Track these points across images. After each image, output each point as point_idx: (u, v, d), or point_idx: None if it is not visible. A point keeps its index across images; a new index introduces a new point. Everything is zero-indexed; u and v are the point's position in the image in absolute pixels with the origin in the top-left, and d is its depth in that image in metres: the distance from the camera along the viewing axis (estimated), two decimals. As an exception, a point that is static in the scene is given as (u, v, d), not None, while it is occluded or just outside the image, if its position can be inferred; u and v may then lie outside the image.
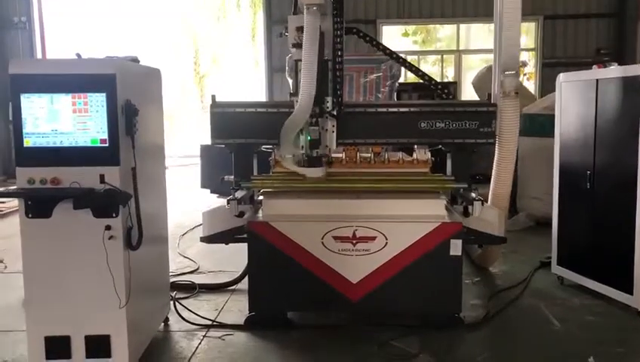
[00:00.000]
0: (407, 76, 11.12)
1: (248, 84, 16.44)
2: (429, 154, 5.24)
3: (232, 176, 4.83)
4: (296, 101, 4.24)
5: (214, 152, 9.13)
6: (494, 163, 5.11)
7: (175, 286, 5.19)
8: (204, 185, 9.34)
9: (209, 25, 20.67)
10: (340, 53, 4.49)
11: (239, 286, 5.36)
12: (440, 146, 5.07)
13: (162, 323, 4.40)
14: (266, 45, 13.06)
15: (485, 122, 4.78)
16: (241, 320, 4.48)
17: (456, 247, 4.17)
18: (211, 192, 9.23)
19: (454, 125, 4.79)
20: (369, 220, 4.20)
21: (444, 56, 13.42)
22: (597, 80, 4.74)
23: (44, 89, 3.22)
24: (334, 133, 4.49)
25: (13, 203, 8.51)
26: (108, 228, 3.29)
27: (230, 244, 4.66)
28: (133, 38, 18.65)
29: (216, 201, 9.07)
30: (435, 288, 4.23)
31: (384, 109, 4.96)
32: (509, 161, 5.00)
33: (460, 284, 4.25)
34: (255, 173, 4.91)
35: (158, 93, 4.15)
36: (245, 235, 4.29)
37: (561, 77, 5.22)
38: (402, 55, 8.54)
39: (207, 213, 4.68)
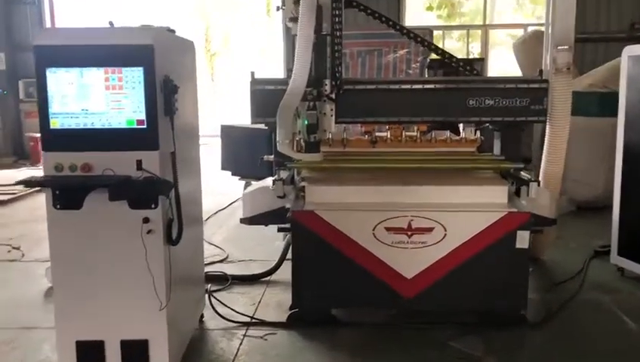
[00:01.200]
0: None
1: (264, 62, 15.94)
2: (478, 133, 4.94)
3: (272, 156, 4.53)
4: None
5: (236, 133, 8.72)
6: (546, 142, 4.79)
7: (207, 278, 4.83)
8: (224, 167, 8.93)
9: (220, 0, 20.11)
10: (338, 27, 4.10)
11: (274, 276, 5.00)
12: (488, 125, 4.77)
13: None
14: (283, 20, 12.53)
15: (537, 99, 4.48)
16: (281, 316, 4.13)
17: (523, 239, 3.77)
18: (232, 174, 8.82)
19: (504, 102, 4.47)
20: (426, 209, 3.80)
21: (470, 31, 12.85)
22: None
23: (73, 62, 2.80)
24: (333, 117, 4.11)
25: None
26: (146, 220, 2.90)
27: (257, 232, 4.55)
28: (143, 14, 18.14)
29: (239, 184, 8.71)
30: (499, 284, 3.85)
31: (431, 86, 4.63)
32: (561, 140, 4.68)
33: (526, 280, 3.86)
34: None
35: (192, 68, 3.74)
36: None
37: (628, 50, 4.75)
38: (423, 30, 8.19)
39: (249, 194, 4.48)
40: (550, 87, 4.55)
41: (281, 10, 4.76)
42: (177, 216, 3.06)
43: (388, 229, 3.80)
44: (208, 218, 7.30)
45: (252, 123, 4.55)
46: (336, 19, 4.16)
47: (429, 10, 12.79)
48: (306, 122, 4.01)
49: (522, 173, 4.24)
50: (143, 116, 2.84)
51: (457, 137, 5.14)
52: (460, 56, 12.55)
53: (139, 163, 2.85)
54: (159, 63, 2.87)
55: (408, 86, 4.63)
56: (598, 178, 7.29)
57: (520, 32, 12.46)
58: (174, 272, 3.12)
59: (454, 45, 12.71)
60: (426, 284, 3.84)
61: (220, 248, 5.98)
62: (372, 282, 3.83)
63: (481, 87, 4.57)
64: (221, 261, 5.59)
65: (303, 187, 4.07)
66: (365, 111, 4.54)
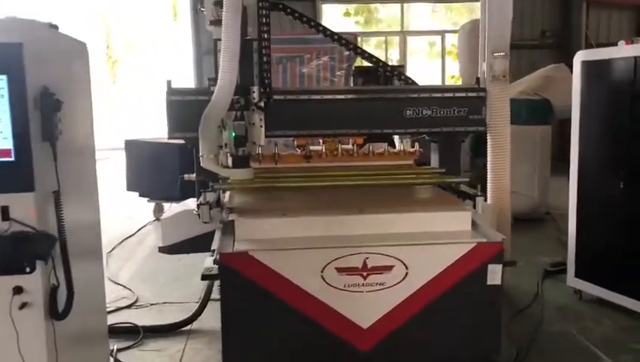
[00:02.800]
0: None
1: (172, 68, 14.86)
2: (416, 145, 4.63)
3: (194, 175, 4.02)
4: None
5: (142, 149, 7.77)
6: (488, 153, 4.59)
7: (111, 331, 3.95)
8: (130, 188, 7.95)
9: (121, 3, 18.72)
10: (265, 29, 3.72)
11: (197, 324, 4.21)
12: (425, 136, 4.54)
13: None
14: (192, 25, 11.65)
15: (475, 108, 4.34)
16: (209, 380, 3.36)
17: (494, 274, 3.22)
18: (140, 196, 7.86)
19: (442, 112, 4.29)
20: (383, 244, 3.16)
21: (388, 38, 12.54)
22: (635, 58, 3.92)
23: None
24: (262, 128, 3.64)
25: None
26: (18, 291, 2.06)
27: (172, 264, 4.38)
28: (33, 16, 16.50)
29: (148, 206, 7.76)
30: (468, 327, 3.27)
31: (367, 96, 4.31)
32: (504, 150, 4.52)
33: (500, 321, 3.31)
34: None
35: (85, 76, 2.90)
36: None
37: (581, 55, 4.39)
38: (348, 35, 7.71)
39: (169, 220, 4.20)
40: (488, 95, 4.41)
41: (188, 16, 4.36)
42: (66, 280, 2.23)
43: (339, 270, 3.13)
44: (113, 249, 6.34)
45: (169, 138, 4.03)
46: (264, 22, 3.72)
47: (346, 15, 12.34)
48: (234, 134, 3.50)
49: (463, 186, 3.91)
50: (8, 144, 2.00)
51: (395, 150, 4.70)
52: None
53: (4, 211, 1.99)
54: (33, 70, 2.05)
55: (343, 96, 4.29)
56: (533, 188, 7.06)
57: (437, 39, 12.34)
58: (62, 347, 2.28)
59: (372, 52, 12.32)
60: (385, 333, 3.19)
61: (128, 288, 5.07)
62: (322, 335, 3.14)
63: (419, 96, 4.31)
64: (129, 306, 4.69)
65: (232, 221, 3.32)
66: (297, 123, 4.17)
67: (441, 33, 12.20)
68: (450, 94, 4.39)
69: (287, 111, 4.02)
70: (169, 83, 3.97)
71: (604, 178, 4.27)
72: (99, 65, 19.51)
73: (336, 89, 5.66)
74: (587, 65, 4.30)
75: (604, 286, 4.31)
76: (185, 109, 3.92)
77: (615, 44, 4.18)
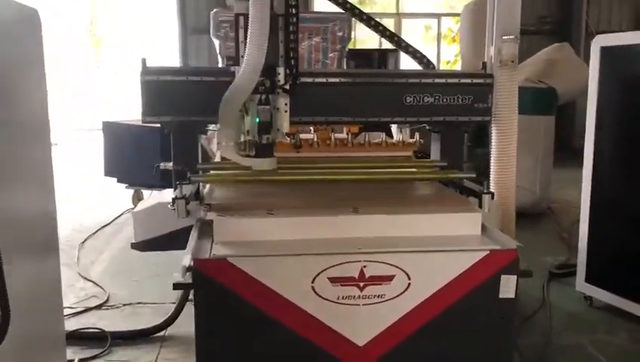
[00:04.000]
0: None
1: (156, 48, 14.27)
2: (416, 136, 4.20)
3: (171, 164, 3.61)
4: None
5: (122, 132, 7.28)
6: (493, 146, 4.17)
7: (75, 337, 3.55)
8: (108, 173, 7.48)
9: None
10: (293, 3, 3.30)
11: (172, 329, 3.81)
12: (425, 125, 4.08)
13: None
14: (178, 3, 11.10)
15: (481, 96, 3.88)
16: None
17: (508, 286, 2.84)
18: (118, 182, 7.40)
19: (445, 100, 3.83)
20: (384, 251, 2.76)
21: (382, 21, 12.08)
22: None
23: None
24: (287, 113, 3.27)
25: None
26: None
27: (150, 258, 3.98)
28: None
29: (127, 193, 7.31)
30: (476, 345, 2.89)
31: (362, 80, 3.77)
32: (509, 142, 4.09)
33: (512, 338, 2.94)
34: (201, 160, 3.71)
35: (35, 47, 2.44)
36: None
37: (601, 40, 3.99)
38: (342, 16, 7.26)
39: (142, 213, 3.86)
40: (495, 81, 3.97)
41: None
42: (1, 301, 1.80)
43: (333, 280, 2.72)
44: (86, 240, 5.91)
45: (143, 122, 3.61)
46: None
47: (338, -5, 11.81)
48: (258, 120, 3.17)
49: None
50: None
51: (393, 140, 4.30)
52: (372, 46, 11.82)
53: None
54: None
55: (336, 79, 3.74)
56: (535, 182, 6.71)
57: (434, 22, 11.91)
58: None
59: (365, 35, 11.87)
60: (384, 352, 2.80)
61: (99, 286, 4.64)
62: (313, 355, 2.74)
63: (420, 82, 3.83)
64: (99, 306, 4.27)
65: (210, 220, 2.90)
66: (325, 110, 3.72)
67: (438, 16, 11.76)
68: (455, 80, 3.98)
69: (313, 95, 3.59)
70: (144, 61, 3.53)
71: (622, 174, 3.92)
72: (83, 43, 18.90)
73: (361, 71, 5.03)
74: (607, 51, 3.90)
75: (619, 293, 3.97)
76: (161, 91, 3.49)
77: (616, 32, 3.79)
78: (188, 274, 2.67)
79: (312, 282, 2.71)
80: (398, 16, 11.62)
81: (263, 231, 2.88)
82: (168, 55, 11.85)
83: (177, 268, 4.63)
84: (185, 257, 3.11)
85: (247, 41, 3.00)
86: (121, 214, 6.93)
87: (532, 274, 3.14)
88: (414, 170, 3.98)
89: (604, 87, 3.95)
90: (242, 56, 3.17)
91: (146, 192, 7.49)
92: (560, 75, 6.75)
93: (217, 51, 7.27)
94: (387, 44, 11.91)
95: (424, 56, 4.12)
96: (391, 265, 2.75)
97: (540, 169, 6.67)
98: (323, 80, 3.80)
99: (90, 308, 4.20)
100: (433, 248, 2.81)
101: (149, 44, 15.22)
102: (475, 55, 8.08)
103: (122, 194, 7.38)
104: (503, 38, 4.08)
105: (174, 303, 4.15)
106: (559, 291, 4.50)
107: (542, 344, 3.63)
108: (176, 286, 2.71)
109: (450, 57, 12.10)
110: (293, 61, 3.29)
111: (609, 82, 3.92)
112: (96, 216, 6.81)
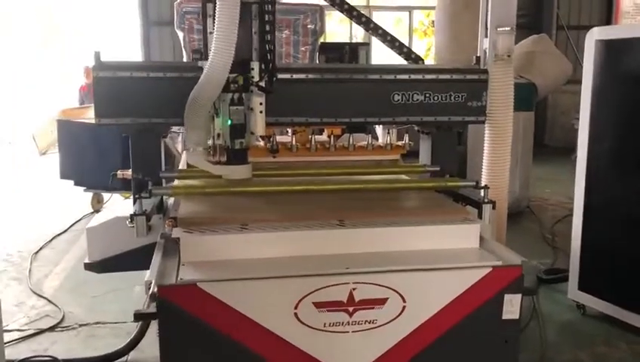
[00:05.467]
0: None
1: (116, 41, 13.64)
2: (406, 138, 3.93)
3: (130, 171, 3.27)
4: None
5: (79, 131, 6.80)
6: (485, 147, 3.92)
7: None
8: (65, 175, 6.99)
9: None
10: None
11: (134, 354, 3.42)
12: (414, 126, 3.79)
13: None
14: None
15: (475, 93, 3.60)
16: None
17: (512, 306, 2.56)
18: (76, 184, 6.91)
19: (436, 98, 3.54)
20: (375, 270, 2.44)
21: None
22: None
23: None
24: (263, 114, 2.93)
25: None
26: None
27: (107, 274, 3.35)
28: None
29: (85, 196, 6.84)
30: (477, 372, 2.60)
31: (347, 76, 3.43)
32: (505, 143, 3.88)
33: (516, 363, 2.65)
34: (164, 166, 3.38)
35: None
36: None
37: (596, 33, 3.74)
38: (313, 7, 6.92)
39: (97, 229, 3.40)
40: (490, 77, 3.69)
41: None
42: None
43: (318, 305, 2.39)
44: (40, 249, 5.43)
45: (97, 123, 3.17)
46: None
47: (308, -13, 11.44)
48: (229, 122, 2.87)
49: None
50: None
51: (380, 143, 3.99)
52: (343, 40, 11.49)
53: None
54: None
55: (318, 75, 3.40)
56: (514, 181, 6.47)
57: (405, 15, 11.66)
58: None
59: (335, 28, 11.54)
60: (376, 384, 2.49)
61: (53, 303, 4.21)
62: (294, 390, 2.41)
63: (409, 78, 3.51)
64: (52, 327, 3.84)
65: (176, 238, 2.53)
66: (305, 109, 3.38)
67: (409, 9, 11.50)
68: (447, 76, 3.66)
69: (292, 93, 3.26)
70: (97, 55, 3.12)
71: (618, 174, 3.69)
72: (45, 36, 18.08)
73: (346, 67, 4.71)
74: (603, 45, 3.66)
75: (615, 302, 3.75)
76: (117, 89, 3.10)
77: (586, 27, 3.56)
78: (150, 302, 2.31)
79: (295, 308, 2.38)
80: (369, 8, 11.32)
81: (236, 248, 2.53)
82: (129, 49, 11.31)
83: (140, 281, 4.27)
84: (146, 281, 2.78)
85: (215, 31, 2.67)
86: (79, 220, 6.45)
87: (537, 291, 2.90)
88: (404, 176, 3.70)
89: (599, 82, 3.70)
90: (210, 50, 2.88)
91: (106, 196, 7.05)
92: (539, 68, 6.55)
93: (182, 45, 6.87)
94: (359, 38, 11.65)
95: (412, 52, 3.78)
96: (383, 286, 2.43)
97: (519, 167, 6.47)
98: (302, 76, 3.44)
99: (43, 331, 3.77)
100: (430, 266, 2.50)
101: (108, 37, 14.60)
102: (451, 50, 7.85)
103: (80, 197, 6.90)
104: (498, 29, 3.85)
105: (138, 321, 3.79)
106: (549, 299, 4.25)
107: (537, 360, 3.36)
108: (138, 316, 2.34)
109: (421, 52, 11.87)
110: (269, 55, 2.94)
111: (605, 77, 3.68)
112: (50, 223, 6.31)
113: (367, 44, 11.22)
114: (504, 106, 3.83)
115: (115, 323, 3.86)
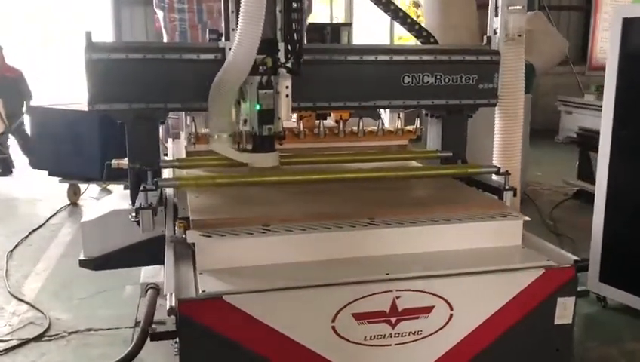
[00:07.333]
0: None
1: (84, 22, 12.97)
2: (417, 122, 3.76)
3: (126, 160, 2.99)
4: (230, 48, 2.62)
5: (52, 118, 6.37)
6: (496, 131, 3.69)
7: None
8: (37, 165, 6.53)
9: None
10: None
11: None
12: (424, 110, 3.58)
13: None
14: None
15: (486, 76, 3.41)
16: None
17: (565, 310, 2.34)
18: (50, 175, 6.48)
19: (447, 80, 3.33)
20: (420, 274, 2.19)
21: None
22: None
23: None
24: (289, 98, 2.72)
25: None
26: None
27: (95, 272, 3.07)
28: None
29: (61, 188, 6.41)
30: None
31: (357, 57, 3.12)
32: (516, 127, 3.65)
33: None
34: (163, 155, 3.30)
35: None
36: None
37: (623, 11, 3.52)
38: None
39: (94, 223, 3.08)
40: (501, 59, 3.48)
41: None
42: None
43: (358, 317, 2.13)
44: (15, 247, 5.02)
45: (90, 108, 2.87)
46: None
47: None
48: (258, 107, 2.68)
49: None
50: None
51: (391, 128, 3.77)
52: (323, 21, 11.13)
53: None
54: None
55: (342, 57, 3.12)
56: (513, 165, 6.29)
57: (387, -5, 11.34)
58: None
59: (316, 8, 11.15)
60: (420, 400, 2.25)
61: (36, 308, 3.84)
62: (332, 410, 2.15)
63: (420, 59, 3.28)
64: (39, 337, 3.48)
65: (192, 244, 2.23)
66: (329, 93, 3.12)
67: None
68: (459, 57, 3.44)
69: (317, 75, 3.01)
70: (88, 35, 2.77)
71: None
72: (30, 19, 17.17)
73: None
74: (631, 23, 3.44)
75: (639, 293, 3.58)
76: (111, 72, 2.77)
77: (567, 7, 3.34)
78: (170, 318, 2.02)
79: (333, 321, 2.11)
80: (349, -13, 11.00)
81: (260, 253, 2.25)
82: (99, 31, 10.74)
83: (130, 279, 3.94)
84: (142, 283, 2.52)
85: (242, 10, 2.43)
86: (56, 213, 6.04)
87: (589, 293, 2.70)
88: (415, 163, 3.48)
89: (626, 63, 3.49)
90: (233, 29, 2.62)
91: (83, 186, 6.63)
92: (536, 47, 6.35)
93: (162, 25, 6.47)
94: (340, 19, 11.31)
95: (431, 35, 3.53)
96: (429, 293, 2.18)
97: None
98: (309, 57, 3.13)
99: (28, 341, 3.40)
100: (479, 269, 2.26)
101: (76, 18, 13.90)
102: (444, 30, 7.57)
103: (55, 189, 6.46)
104: (510, 8, 3.60)
105: (134, 327, 3.48)
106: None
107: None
108: (155, 336, 2.04)
109: (403, 33, 11.60)
110: (296, 34, 2.70)
111: (633, 57, 3.47)
112: (25, 217, 5.89)
113: (349, 25, 10.95)
114: (516, 88, 3.60)
115: (109, 329, 3.53)
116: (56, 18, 15.72)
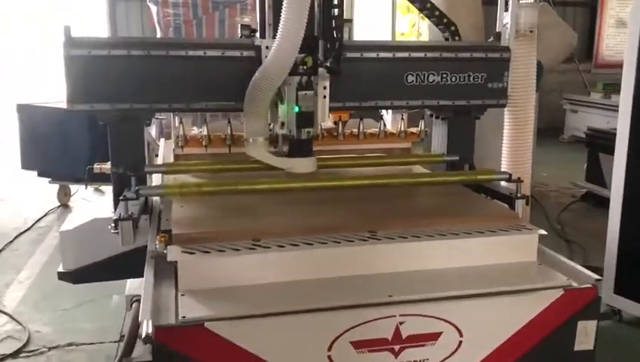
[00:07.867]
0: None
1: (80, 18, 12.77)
2: (421, 124, 3.57)
3: (108, 165, 2.79)
4: (267, 46, 2.49)
5: (42, 117, 6.15)
6: (505, 132, 3.53)
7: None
8: (26, 165, 6.32)
9: None
10: None
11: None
12: (427, 110, 3.43)
13: None
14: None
15: (496, 74, 3.19)
16: None
17: (586, 336, 2.12)
18: (40, 175, 6.27)
19: (453, 79, 3.11)
20: (426, 297, 1.96)
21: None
22: None
23: None
24: (327, 99, 2.56)
25: None
26: None
27: None
28: None
29: (51, 189, 6.19)
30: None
31: (357, 54, 2.84)
32: (527, 128, 3.51)
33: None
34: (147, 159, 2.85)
35: None
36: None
37: (643, 4, 3.30)
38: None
39: (72, 233, 2.95)
40: (512, 56, 3.29)
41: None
42: None
43: (357, 345, 1.91)
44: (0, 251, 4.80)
45: (69, 108, 2.65)
46: None
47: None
48: (297, 109, 2.55)
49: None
50: None
51: (394, 130, 3.56)
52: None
53: None
54: None
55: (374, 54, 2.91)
56: (519, 167, 6.08)
57: (388, -9, 11.10)
58: None
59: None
60: None
61: (16, 320, 3.62)
62: None
63: (425, 56, 3.05)
64: (16, 352, 3.26)
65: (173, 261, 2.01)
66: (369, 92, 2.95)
67: (391, -16, 10.99)
68: (467, 54, 3.21)
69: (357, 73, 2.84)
70: (67, 30, 2.55)
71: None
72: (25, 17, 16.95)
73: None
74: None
75: (658, 307, 3.36)
76: (94, 69, 2.55)
77: (572, 4, 3.13)
78: (146, 347, 1.80)
79: (329, 349, 1.89)
80: (349, -17, 10.74)
81: (248, 272, 2.02)
82: (94, 26, 10.51)
83: (118, 289, 3.72)
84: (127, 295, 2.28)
85: (285, 5, 2.25)
86: (45, 215, 5.82)
87: (616, 315, 2.48)
88: (420, 168, 3.26)
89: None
90: (270, 25, 2.49)
91: (73, 188, 6.41)
92: (542, 41, 6.14)
93: (155, 20, 6.24)
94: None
95: (451, 23, 3.34)
96: (437, 318, 1.96)
97: (524, 153, 6.05)
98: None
99: (5, 357, 3.20)
100: (491, 290, 2.03)
101: (76, 18, 13.68)
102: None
103: (45, 190, 6.25)
104: (521, 2, 3.46)
105: (119, 342, 3.26)
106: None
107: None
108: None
109: (404, 29, 11.37)
110: (336, 32, 2.56)
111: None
112: (11, 220, 5.67)
113: (349, 21, 10.73)
114: (526, 89, 3.44)
115: (91, 343, 3.31)
116: (56, 18, 15.49)
